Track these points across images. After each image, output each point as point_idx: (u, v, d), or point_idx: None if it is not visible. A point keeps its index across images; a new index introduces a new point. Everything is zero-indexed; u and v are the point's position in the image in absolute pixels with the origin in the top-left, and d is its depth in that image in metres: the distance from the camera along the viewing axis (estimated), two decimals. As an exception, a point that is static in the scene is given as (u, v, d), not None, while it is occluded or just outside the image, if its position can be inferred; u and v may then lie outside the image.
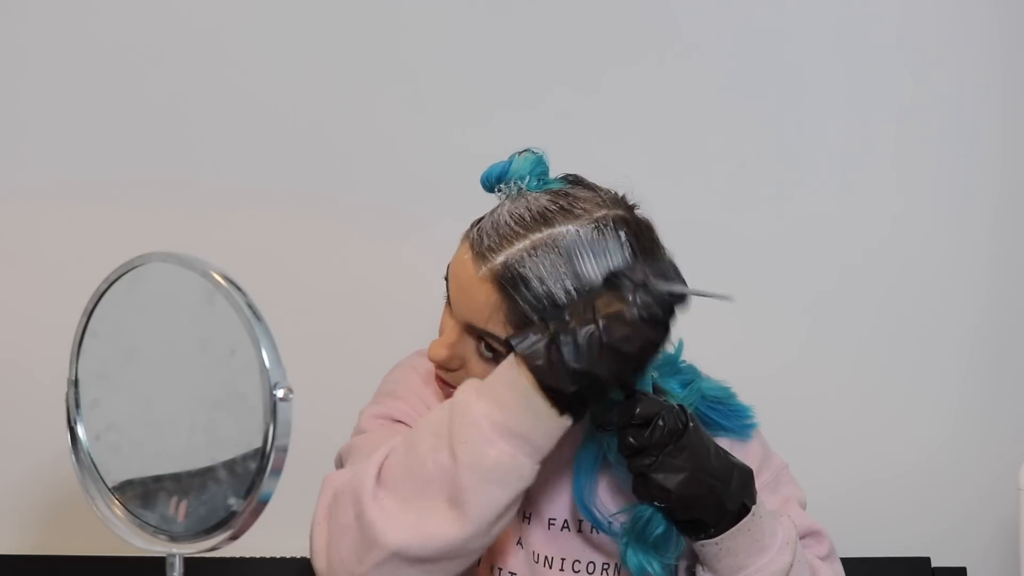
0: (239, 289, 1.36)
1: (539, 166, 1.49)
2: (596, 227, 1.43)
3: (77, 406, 1.46)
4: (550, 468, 1.53)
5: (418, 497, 1.35)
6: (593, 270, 1.41)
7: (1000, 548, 2.23)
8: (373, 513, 1.36)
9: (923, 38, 2.25)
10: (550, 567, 1.53)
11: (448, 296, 1.50)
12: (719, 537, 1.44)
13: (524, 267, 1.41)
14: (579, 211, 1.44)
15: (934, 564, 2.20)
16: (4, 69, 2.15)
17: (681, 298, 1.36)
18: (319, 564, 1.41)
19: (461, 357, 1.49)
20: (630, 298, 1.33)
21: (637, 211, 1.48)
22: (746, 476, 1.45)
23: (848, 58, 2.24)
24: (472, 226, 1.48)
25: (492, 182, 1.50)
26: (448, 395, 1.51)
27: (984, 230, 2.26)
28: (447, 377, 1.51)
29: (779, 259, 2.24)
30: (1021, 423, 2.25)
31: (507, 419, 1.35)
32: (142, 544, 1.44)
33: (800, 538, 1.51)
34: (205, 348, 1.39)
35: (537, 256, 1.41)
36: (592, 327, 1.33)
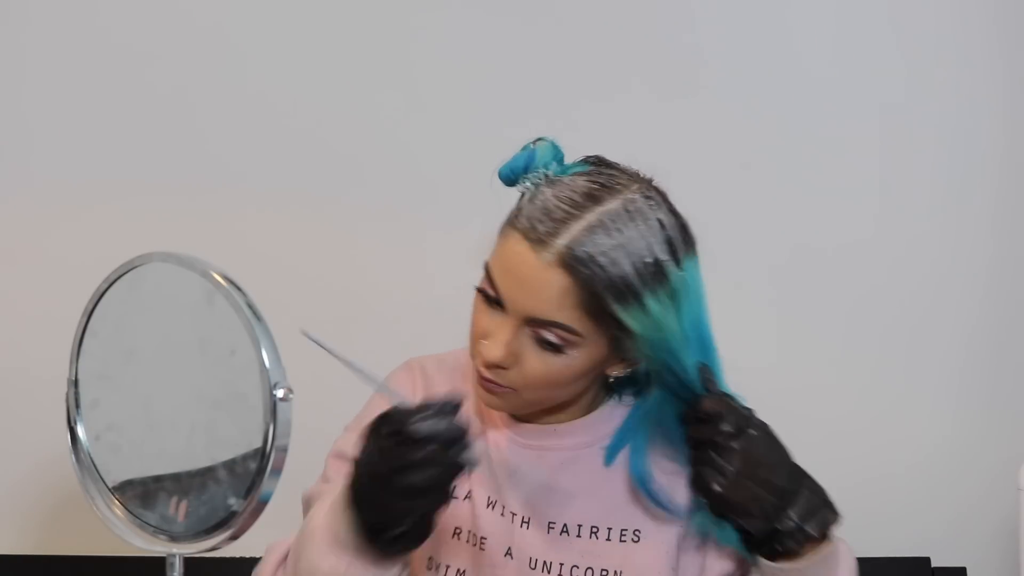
0: (239, 289, 1.36)
1: (558, 152, 1.49)
2: (640, 197, 1.44)
3: (77, 406, 1.47)
4: (549, 473, 1.53)
5: None
6: (647, 236, 1.42)
7: (1000, 548, 2.23)
8: None
9: (923, 38, 2.25)
10: (548, 572, 1.53)
11: (491, 295, 1.46)
12: (801, 563, 1.44)
13: (587, 246, 1.40)
14: (619, 186, 1.45)
15: (934, 564, 2.20)
16: (6, 69, 2.15)
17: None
18: None
19: (516, 354, 1.45)
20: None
21: (654, 182, 1.50)
22: (818, 499, 1.46)
23: (849, 58, 2.24)
24: (512, 219, 1.45)
25: (518, 174, 1.48)
26: (488, 390, 1.49)
27: (982, 226, 2.26)
28: (499, 377, 1.47)
29: (779, 258, 2.24)
30: (1021, 422, 2.25)
31: (339, 531, 1.37)
32: (142, 544, 1.44)
33: None
34: (205, 348, 1.39)
35: (597, 233, 1.41)
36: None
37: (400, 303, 2.17)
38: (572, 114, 2.19)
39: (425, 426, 1.32)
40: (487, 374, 1.47)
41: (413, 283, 2.16)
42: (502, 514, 1.52)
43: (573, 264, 1.40)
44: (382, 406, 1.56)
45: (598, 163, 1.49)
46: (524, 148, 1.49)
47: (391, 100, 2.18)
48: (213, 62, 2.16)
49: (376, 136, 2.18)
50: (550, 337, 1.43)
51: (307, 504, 1.54)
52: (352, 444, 1.48)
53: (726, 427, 1.43)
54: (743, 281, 2.23)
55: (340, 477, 1.47)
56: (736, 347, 2.14)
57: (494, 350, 1.45)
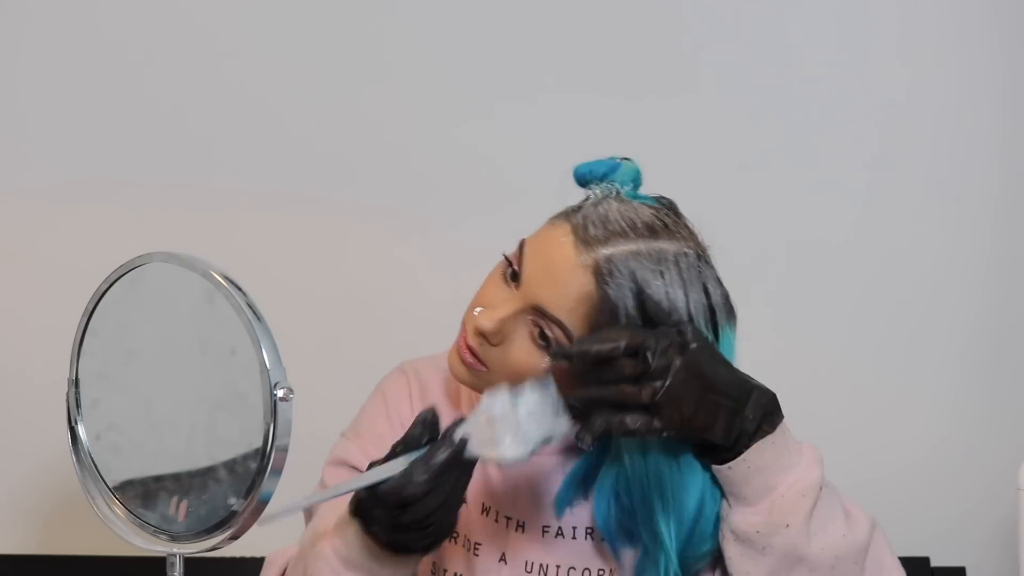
0: (239, 289, 1.37)
1: (639, 178, 1.49)
2: (694, 255, 1.43)
3: (78, 406, 1.47)
4: (540, 478, 1.53)
5: None
6: (690, 294, 1.42)
7: (999, 547, 2.23)
8: None
9: (923, 38, 2.25)
10: (544, 574, 1.53)
11: (510, 270, 1.45)
12: (745, 454, 1.41)
13: (627, 267, 1.40)
14: (680, 236, 1.44)
15: (933, 564, 2.20)
16: (4, 69, 2.15)
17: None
18: None
19: (505, 334, 1.43)
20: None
21: (708, 250, 1.49)
22: (767, 399, 1.44)
23: (848, 58, 2.25)
24: (571, 212, 1.45)
25: (594, 178, 1.47)
26: (463, 358, 1.46)
27: (981, 225, 2.26)
28: (481, 350, 1.45)
29: (776, 257, 2.24)
30: (1020, 421, 2.25)
31: (350, 553, 1.36)
32: (142, 544, 1.44)
33: None
34: (205, 348, 1.40)
35: (642, 262, 1.40)
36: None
37: (399, 302, 2.17)
38: (574, 114, 2.19)
39: (420, 481, 1.32)
40: (471, 341, 1.45)
41: (411, 283, 2.16)
42: (496, 520, 1.51)
43: (605, 276, 1.39)
44: (379, 411, 1.57)
45: (669, 206, 1.48)
46: (611, 158, 1.48)
47: (389, 99, 2.18)
48: (209, 62, 2.17)
49: (375, 136, 2.18)
50: (540, 334, 1.42)
51: (307, 514, 1.54)
52: (354, 454, 1.50)
53: (661, 347, 1.37)
54: (740, 279, 2.23)
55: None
56: (737, 351, 2.15)
57: (487, 321, 1.43)
